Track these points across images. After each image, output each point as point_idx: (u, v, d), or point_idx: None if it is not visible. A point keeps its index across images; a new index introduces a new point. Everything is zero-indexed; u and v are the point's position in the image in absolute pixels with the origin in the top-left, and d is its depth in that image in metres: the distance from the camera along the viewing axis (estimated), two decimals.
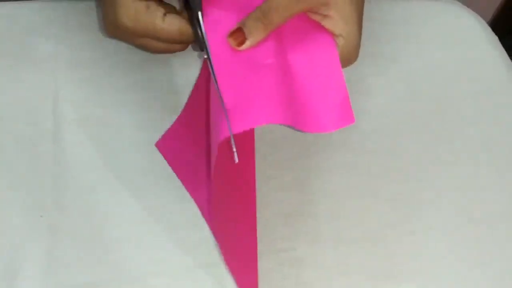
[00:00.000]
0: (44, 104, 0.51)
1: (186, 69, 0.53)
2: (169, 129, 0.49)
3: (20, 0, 0.57)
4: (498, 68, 0.56)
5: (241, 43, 0.39)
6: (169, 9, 0.43)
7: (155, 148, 0.49)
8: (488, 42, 0.58)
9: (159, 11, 0.42)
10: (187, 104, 0.48)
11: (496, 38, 0.58)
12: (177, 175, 0.48)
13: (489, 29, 0.59)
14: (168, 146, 0.48)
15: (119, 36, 0.45)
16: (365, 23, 0.56)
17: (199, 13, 0.40)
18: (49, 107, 0.50)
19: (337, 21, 0.40)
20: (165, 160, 0.49)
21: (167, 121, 0.50)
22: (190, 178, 0.47)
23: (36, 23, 0.55)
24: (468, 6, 0.61)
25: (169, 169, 0.48)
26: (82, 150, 0.49)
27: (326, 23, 0.40)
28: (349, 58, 0.41)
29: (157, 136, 0.49)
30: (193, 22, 0.41)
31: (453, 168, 0.50)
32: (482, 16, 0.60)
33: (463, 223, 0.48)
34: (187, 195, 0.47)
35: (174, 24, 0.42)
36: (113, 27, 0.43)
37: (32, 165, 0.48)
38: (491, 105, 0.54)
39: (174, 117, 0.50)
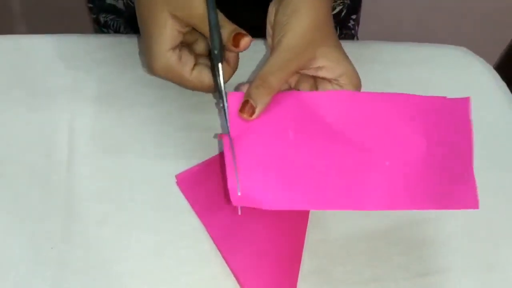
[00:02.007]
0: (59, 136, 0.51)
1: (202, 107, 0.54)
2: (194, 167, 0.50)
3: (39, 34, 0.58)
4: (506, 113, 0.57)
5: (252, 113, 0.43)
6: (200, 58, 0.47)
7: (167, 182, 0.49)
8: (495, 87, 0.59)
9: (188, 63, 0.46)
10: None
11: (503, 83, 0.59)
12: (194, 209, 0.48)
13: (496, 75, 0.60)
14: (190, 182, 0.49)
15: (156, 76, 0.49)
16: (373, 65, 0.58)
17: (219, 65, 0.43)
18: (64, 138, 0.51)
19: (330, 67, 0.45)
20: (177, 195, 0.49)
21: (180, 156, 0.51)
22: (209, 214, 0.48)
23: (54, 56, 0.56)
24: (472, 50, 0.62)
25: (181, 204, 0.49)
26: (94, 182, 0.49)
27: (323, 74, 0.45)
28: (357, 84, 0.46)
29: (170, 170, 0.50)
30: (215, 72, 0.44)
31: (463, 211, 0.50)
32: (487, 60, 0.62)
33: (476, 266, 0.48)
34: (199, 231, 0.47)
35: (199, 78, 0.46)
36: (149, 69, 0.47)
37: (44, 196, 0.48)
38: (500, 150, 0.54)
39: (188, 153, 0.50)
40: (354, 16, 0.73)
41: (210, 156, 0.51)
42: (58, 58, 0.56)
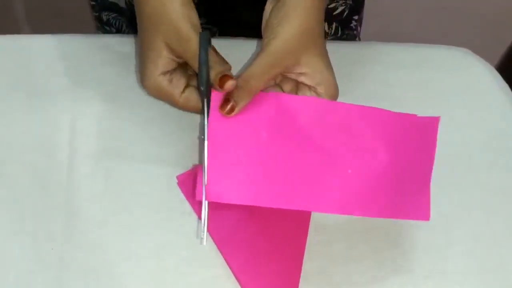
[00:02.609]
0: (60, 136, 0.51)
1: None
2: (195, 168, 0.50)
3: (40, 33, 0.58)
4: (507, 114, 0.57)
5: (232, 111, 0.45)
6: (192, 80, 0.50)
7: (168, 183, 0.49)
8: (497, 88, 0.59)
9: (179, 86, 0.49)
10: None
11: (506, 85, 0.59)
12: (195, 210, 0.48)
13: (498, 76, 0.60)
14: (191, 183, 0.49)
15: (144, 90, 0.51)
16: (375, 66, 0.58)
17: (205, 100, 0.46)
18: (65, 139, 0.51)
19: (311, 74, 0.47)
20: (178, 196, 0.49)
21: (182, 156, 0.51)
22: (210, 215, 0.47)
23: (55, 56, 0.56)
24: (473, 51, 0.62)
25: (182, 205, 0.48)
26: (95, 183, 0.49)
27: (304, 79, 0.47)
28: (333, 95, 0.48)
29: (172, 171, 0.50)
30: (202, 95, 0.46)
31: (465, 214, 0.50)
32: (488, 62, 0.62)
33: (478, 268, 0.47)
34: (200, 232, 0.47)
35: (187, 101, 0.49)
36: (142, 86, 0.50)
37: (45, 197, 0.48)
38: (501, 151, 0.54)
39: (189, 154, 0.50)
40: (356, 17, 0.73)
41: None
42: (59, 58, 0.56)
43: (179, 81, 0.49)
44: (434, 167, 0.53)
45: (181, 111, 0.52)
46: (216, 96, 0.45)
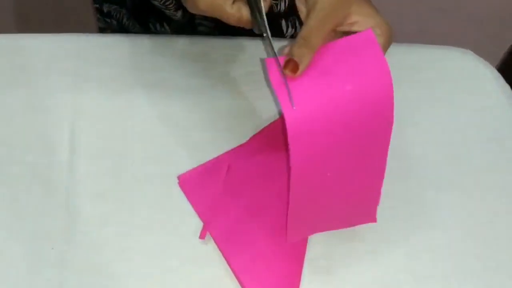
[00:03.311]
0: (60, 135, 0.51)
1: (204, 107, 0.54)
2: (197, 168, 0.50)
3: (41, 31, 0.58)
4: (510, 115, 0.57)
5: (295, 70, 0.44)
6: None
7: (169, 182, 0.49)
8: (499, 89, 0.59)
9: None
10: (226, 154, 0.51)
11: (507, 85, 0.59)
12: (195, 210, 0.48)
13: (500, 77, 0.60)
14: (192, 182, 0.49)
15: (198, 12, 0.49)
16: None
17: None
18: (66, 138, 0.51)
19: (364, 21, 0.47)
20: (180, 196, 0.49)
21: (183, 156, 0.51)
22: (211, 215, 0.48)
23: (55, 56, 0.56)
24: (474, 51, 0.62)
25: (183, 205, 0.48)
26: (96, 182, 0.49)
27: (355, 28, 0.47)
28: (390, 36, 0.48)
29: (173, 171, 0.50)
30: (254, 8, 0.46)
31: (466, 215, 0.50)
32: (490, 62, 0.61)
33: (479, 269, 0.47)
34: (200, 232, 0.47)
35: (239, 12, 0.47)
36: (190, 6, 0.48)
37: (45, 196, 0.48)
38: (503, 152, 0.54)
39: (191, 153, 0.50)
40: None
41: (213, 157, 0.51)
42: (60, 57, 0.56)
43: None
44: (434, 168, 0.53)
45: (179, 111, 0.52)
46: (273, 65, 0.44)
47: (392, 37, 0.48)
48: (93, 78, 0.55)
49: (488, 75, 0.59)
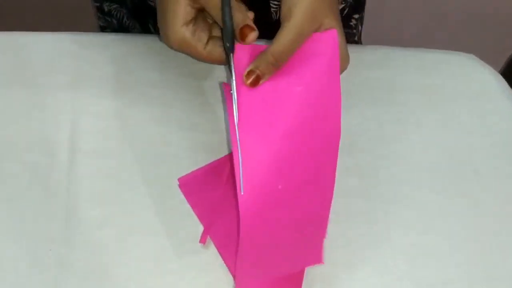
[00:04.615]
0: (60, 135, 0.51)
1: (206, 108, 0.53)
2: (197, 170, 0.49)
3: (41, 30, 0.58)
4: None
5: (256, 83, 0.44)
6: (213, 29, 0.48)
7: (169, 185, 0.49)
8: (503, 94, 0.58)
9: (202, 38, 0.47)
10: (228, 156, 0.50)
11: (511, 90, 0.59)
12: (195, 213, 0.48)
13: (504, 82, 0.59)
14: (192, 185, 0.48)
15: (167, 45, 0.49)
16: (381, 71, 0.58)
17: (231, 56, 0.44)
18: (66, 138, 0.50)
19: None
20: (179, 198, 0.48)
21: (182, 158, 0.50)
22: (212, 218, 0.47)
23: (56, 54, 0.56)
24: (478, 56, 0.61)
25: (183, 208, 0.48)
26: (96, 183, 0.48)
27: None
28: (344, 66, 0.47)
29: (173, 173, 0.49)
30: (227, 52, 0.45)
31: (467, 220, 0.50)
32: (493, 66, 0.61)
33: (482, 276, 0.47)
34: (201, 235, 0.47)
35: (212, 53, 0.48)
36: (165, 42, 0.48)
37: (44, 196, 0.47)
38: (507, 157, 0.54)
39: (191, 154, 0.50)
40: (356, 15, 0.72)
41: (214, 159, 0.50)
42: (60, 56, 0.55)
43: (202, 32, 0.47)
44: (437, 173, 0.52)
45: (180, 112, 0.51)
46: (241, 51, 0.43)
47: (345, 66, 0.47)
48: (94, 77, 0.54)
49: (491, 80, 0.59)
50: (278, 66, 0.44)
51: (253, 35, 0.43)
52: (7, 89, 0.53)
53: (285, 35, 0.44)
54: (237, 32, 0.43)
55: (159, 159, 0.50)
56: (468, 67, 0.60)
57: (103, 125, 0.52)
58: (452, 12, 1.19)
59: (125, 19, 0.70)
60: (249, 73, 0.43)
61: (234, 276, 0.45)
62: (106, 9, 0.71)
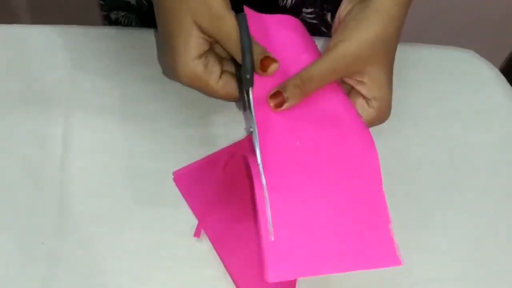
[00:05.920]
0: (54, 130, 0.50)
1: (201, 103, 0.53)
2: (192, 164, 0.49)
3: (35, 24, 0.57)
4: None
5: (280, 105, 0.42)
6: (225, 63, 0.46)
7: (164, 179, 0.48)
8: (502, 91, 0.58)
9: (215, 72, 0.44)
10: (224, 150, 0.49)
11: (510, 87, 0.58)
12: (190, 207, 0.47)
13: (504, 79, 0.59)
14: (187, 179, 0.48)
15: (174, 80, 0.46)
16: None
17: (250, 90, 0.42)
18: (59, 133, 0.50)
19: (371, 87, 0.44)
20: (174, 192, 0.48)
21: (177, 152, 0.50)
22: (206, 212, 0.47)
23: (51, 48, 0.55)
24: (477, 52, 0.61)
25: (177, 202, 0.47)
26: (89, 178, 0.48)
27: (361, 88, 0.44)
28: (382, 117, 0.45)
29: (168, 166, 0.49)
30: (241, 87, 0.44)
31: (464, 217, 0.49)
32: (492, 62, 0.61)
33: (480, 273, 0.47)
34: (195, 230, 0.46)
35: (225, 89, 0.45)
36: (170, 74, 0.45)
37: (37, 190, 0.47)
38: (507, 156, 0.53)
39: (186, 148, 0.49)
40: None
41: (208, 153, 0.50)
42: (56, 50, 0.55)
43: (215, 67, 0.44)
44: (436, 169, 0.52)
45: (176, 106, 0.51)
46: (259, 82, 0.42)
47: (385, 118, 0.45)
48: (88, 72, 0.54)
49: (491, 76, 0.59)
50: (303, 91, 0.42)
51: (274, 66, 0.41)
52: (2, 82, 0.53)
53: (318, 64, 0.42)
54: (257, 64, 0.41)
55: (153, 153, 0.50)
56: (468, 63, 0.60)
57: (97, 119, 0.51)
58: (452, 8, 1.19)
59: (133, 24, 0.69)
60: (276, 94, 0.42)
61: (228, 271, 0.44)
62: (113, 17, 0.70)
